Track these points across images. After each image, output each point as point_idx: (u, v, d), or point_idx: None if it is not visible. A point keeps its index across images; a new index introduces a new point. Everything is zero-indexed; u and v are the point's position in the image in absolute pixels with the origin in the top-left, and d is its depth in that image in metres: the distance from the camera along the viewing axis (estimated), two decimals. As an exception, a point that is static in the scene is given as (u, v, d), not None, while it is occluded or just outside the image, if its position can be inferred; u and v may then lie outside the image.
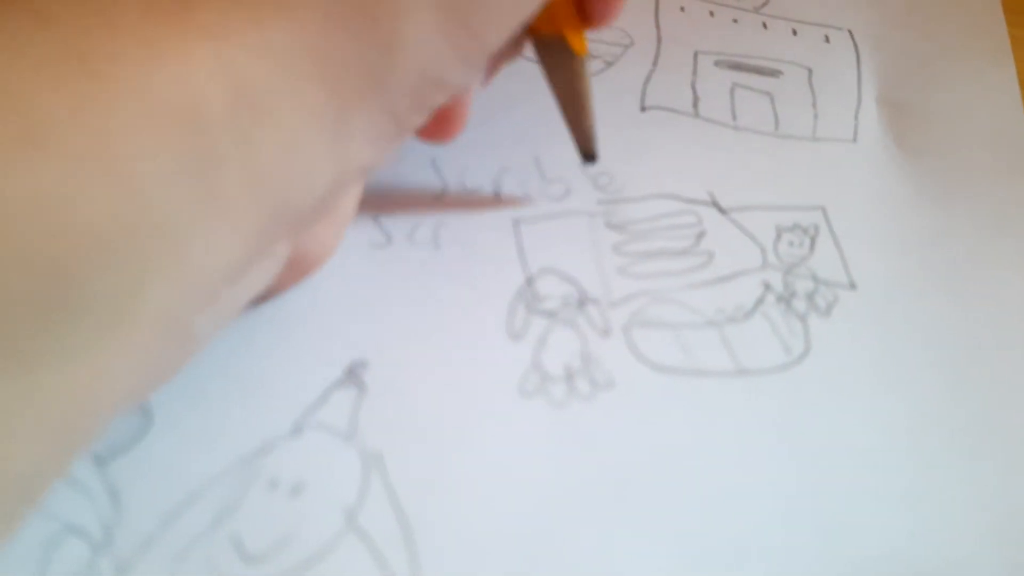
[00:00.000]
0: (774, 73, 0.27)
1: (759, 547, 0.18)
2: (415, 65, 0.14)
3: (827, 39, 0.28)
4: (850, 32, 0.28)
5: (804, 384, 0.21)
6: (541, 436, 0.19)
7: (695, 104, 0.26)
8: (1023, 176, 0.25)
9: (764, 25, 0.28)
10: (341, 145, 0.14)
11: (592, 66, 0.26)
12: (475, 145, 0.23)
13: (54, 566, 0.16)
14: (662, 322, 0.21)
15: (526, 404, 0.20)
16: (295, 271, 0.19)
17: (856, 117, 0.26)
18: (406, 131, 0.15)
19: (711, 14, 0.29)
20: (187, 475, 0.17)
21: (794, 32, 0.28)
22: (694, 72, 0.27)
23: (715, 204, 0.24)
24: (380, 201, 0.22)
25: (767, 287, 0.22)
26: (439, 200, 0.23)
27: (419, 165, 0.23)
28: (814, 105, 0.26)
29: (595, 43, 0.27)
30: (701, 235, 0.23)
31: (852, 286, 0.23)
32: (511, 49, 0.19)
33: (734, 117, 0.26)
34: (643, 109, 0.26)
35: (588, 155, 0.22)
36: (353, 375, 0.19)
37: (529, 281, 0.21)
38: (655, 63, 0.27)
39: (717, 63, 0.27)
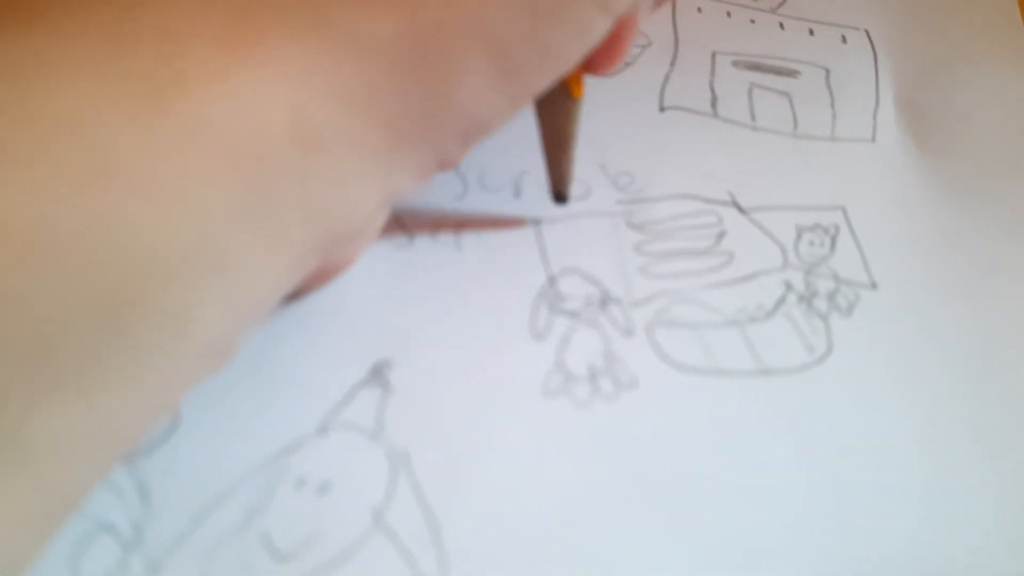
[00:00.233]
0: (792, 73, 0.27)
1: (780, 546, 0.18)
2: (468, 111, 0.14)
3: (844, 39, 0.28)
4: (867, 32, 0.28)
5: (826, 384, 0.21)
6: (565, 436, 0.19)
7: (714, 104, 0.26)
8: (1042, 175, 0.25)
9: (781, 25, 0.28)
10: (389, 180, 0.14)
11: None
12: (495, 147, 0.23)
13: (86, 564, 0.16)
14: (684, 322, 0.21)
15: (549, 404, 0.20)
16: (321, 276, 0.19)
17: (874, 117, 0.26)
18: (449, 165, 0.15)
19: (728, 15, 0.29)
20: (215, 474, 0.18)
21: (811, 32, 0.28)
22: (712, 72, 0.27)
23: (735, 204, 0.24)
24: (402, 202, 0.22)
25: (788, 287, 0.22)
26: (460, 201, 0.23)
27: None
28: (832, 105, 0.26)
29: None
30: (722, 235, 0.23)
31: (873, 286, 0.23)
32: None
33: (753, 117, 0.26)
34: (662, 109, 0.26)
35: (560, 196, 0.21)
36: (378, 375, 0.19)
37: (551, 281, 0.22)
38: (673, 63, 0.27)
39: (735, 63, 0.27)
